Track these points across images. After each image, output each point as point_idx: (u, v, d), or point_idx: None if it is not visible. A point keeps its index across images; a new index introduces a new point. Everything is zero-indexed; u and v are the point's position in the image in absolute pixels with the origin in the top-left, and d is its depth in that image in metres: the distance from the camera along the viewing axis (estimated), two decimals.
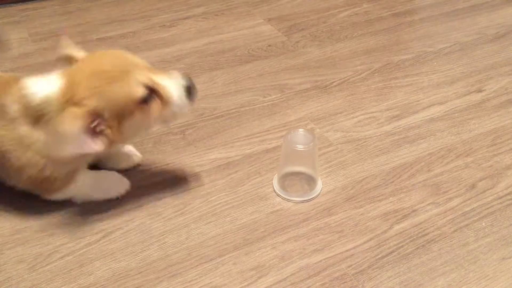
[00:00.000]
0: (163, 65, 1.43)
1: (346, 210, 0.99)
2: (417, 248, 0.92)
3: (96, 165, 1.05)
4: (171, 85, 0.90)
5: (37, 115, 0.87)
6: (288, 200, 1.01)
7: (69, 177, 0.94)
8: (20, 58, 1.46)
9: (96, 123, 0.84)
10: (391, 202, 1.01)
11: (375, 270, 0.88)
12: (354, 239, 0.94)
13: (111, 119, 0.86)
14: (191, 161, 1.11)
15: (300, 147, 0.99)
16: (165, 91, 0.89)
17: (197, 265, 0.89)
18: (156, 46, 1.53)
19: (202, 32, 1.60)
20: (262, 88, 1.35)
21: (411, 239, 0.94)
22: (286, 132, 1.03)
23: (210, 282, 0.86)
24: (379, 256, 0.91)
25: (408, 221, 0.97)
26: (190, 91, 0.92)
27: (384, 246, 0.92)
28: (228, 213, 0.99)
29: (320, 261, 0.90)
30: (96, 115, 0.84)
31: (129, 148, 1.09)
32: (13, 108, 0.89)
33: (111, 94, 0.85)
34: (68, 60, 0.93)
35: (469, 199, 1.02)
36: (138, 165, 1.09)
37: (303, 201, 1.01)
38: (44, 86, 0.88)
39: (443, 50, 1.51)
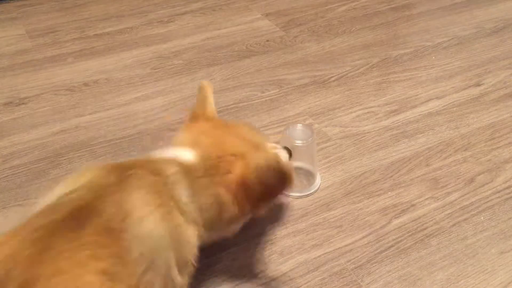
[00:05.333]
0: (160, 61, 1.43)
1: (345, 205, 1.00)
2: (416, 242, 0.92)
3: None
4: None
5: None
6: (287, 195, 1.01)
7: None
8: (17, 55, 1.46)
9: None
10: (389, 196, 1.01)
11: (374, 265, 0.88)
12: (353, 234, 0.94)
13: None
14: None
15: (298, 142, 0.99)
16: None
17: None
18: (153, 41, 1.52)
19: (199, 28, 1.60)
20: (260, 84, 1.34)
21: (409, 233, 0.94)
22: (285, 128, 1.03)
23: (209, 279, 0.87)
24: (378, 250, 0.91)
25: (406, 216, 0.97)
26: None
27: (383, 241, 0.93)
28: None
29: (319, 256, 0.90)
30: None
31: None
32: None
33: None
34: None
35: (467, 193, 1.02)
36: None
37: (301, 196, 1.01)
38: None
39: (441, 44, 1.51)
